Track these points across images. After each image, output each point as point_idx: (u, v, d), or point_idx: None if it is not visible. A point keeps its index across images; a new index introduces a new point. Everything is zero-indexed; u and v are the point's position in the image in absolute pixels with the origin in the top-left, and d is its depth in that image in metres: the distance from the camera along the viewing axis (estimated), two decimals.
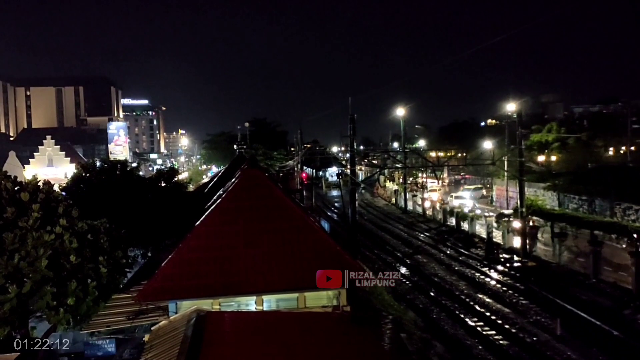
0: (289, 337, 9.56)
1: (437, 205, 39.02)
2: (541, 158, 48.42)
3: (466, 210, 35.23)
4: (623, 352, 13.49)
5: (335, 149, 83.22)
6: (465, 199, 40.92)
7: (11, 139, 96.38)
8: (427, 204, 41.33)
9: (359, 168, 48.45)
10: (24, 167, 58.88)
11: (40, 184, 11.63)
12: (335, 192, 60.06)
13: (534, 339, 14.65)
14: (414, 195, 46.00)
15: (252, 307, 11.05)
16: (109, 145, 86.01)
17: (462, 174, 55.71)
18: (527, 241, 24.53)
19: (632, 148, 62.08)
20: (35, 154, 63.76)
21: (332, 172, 69.53)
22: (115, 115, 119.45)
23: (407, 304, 18.22)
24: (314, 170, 59.54)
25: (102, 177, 19.17)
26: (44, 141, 64.06)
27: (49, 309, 9.53)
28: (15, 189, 10.85)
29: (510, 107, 31.77)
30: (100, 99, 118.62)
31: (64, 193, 16.40)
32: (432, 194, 45.48)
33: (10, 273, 9.18)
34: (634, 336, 14.25)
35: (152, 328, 10.04)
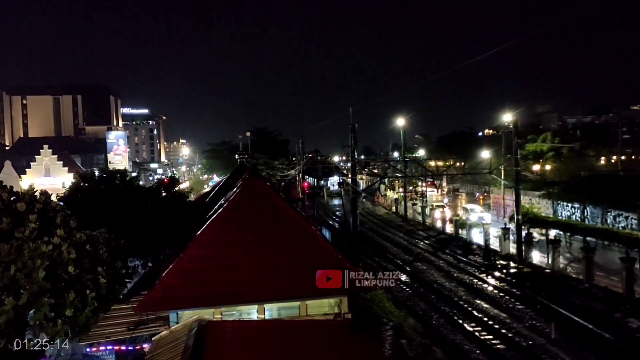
0: (291, 346, 9.46)
1: (448, 219, 36.44)
2: (536, 167, 49.09)
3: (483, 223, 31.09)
4: (615, 355, 13.86)
5: (336, 158, 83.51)
6: (482, 213, 36.15)
7: (7, 148, 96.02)
8: (437, 219, 38.26)
9: (359, 177, 48.50)
10: (20, 177, 58.49)
11: (37, 194, 11.51)
12: (336, 201, 60.11)
13: (530, 342, 14.93)
14: (414, 204, 46.07)
15: (254, 316, 10.93)
16: (108, 155, 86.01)
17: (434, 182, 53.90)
18: (523, 248, 24.95)
19: (623, 157, 63.26)
20: (32, 163, 63.28)
21: (333, 181, 69.69)
22: (115, 124, 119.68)
23: (408, 310, 18.46)
24: (315, 180, 59.60)
25: (101, 186, 19.04)
26: (40, 150, 63.59)
27: (47, 320, 9.36)
28: (12, 199, 10.72)
29: (507, 117, 32.38)
30: (99, 107, 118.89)
31: (61, 203, 16.27)
32: (443, 209, 41.20)
33: (6, 285, 9.02)
34: (624, 339, 14.67)
35: (152, 338, 9.89)
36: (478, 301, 19.24)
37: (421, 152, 71.29)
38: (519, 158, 27.02)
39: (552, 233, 26.53)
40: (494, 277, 22.93)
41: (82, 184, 19.33)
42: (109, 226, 12.67)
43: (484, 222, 30.26)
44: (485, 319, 17.07)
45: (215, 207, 17.13)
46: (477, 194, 51.85)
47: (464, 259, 26.78)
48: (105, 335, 9.96)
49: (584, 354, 13.94)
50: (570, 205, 30.94)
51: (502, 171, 32.90)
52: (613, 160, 63.76)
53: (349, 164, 32.29)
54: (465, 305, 18.61)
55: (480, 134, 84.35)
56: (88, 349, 10.49)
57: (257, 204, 12.34)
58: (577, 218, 29.73)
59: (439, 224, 37.70)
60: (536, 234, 27.42)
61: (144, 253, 17.27)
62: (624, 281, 18.24)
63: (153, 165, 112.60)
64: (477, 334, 15.76)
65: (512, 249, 26.31)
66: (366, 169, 56.29)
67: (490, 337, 15.49)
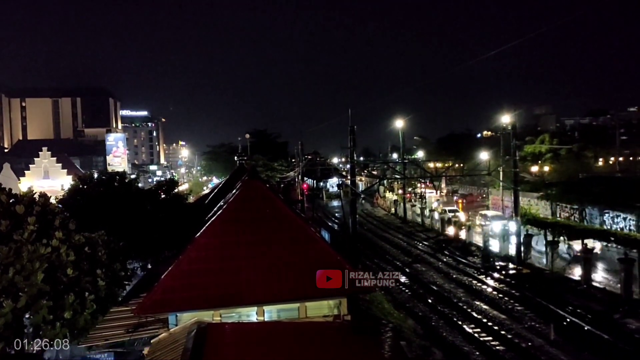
0: (290, 348, 9.45)
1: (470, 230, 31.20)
2: (534, 168, 49.16)
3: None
4: (613, 355, 13.89)
5: (335, 160, 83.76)
6: (504, 220, 29.99)
7: (6, 150, 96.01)
8: (451, 230, 33.62)
9: (359, 179, 48.55)
10: (19, 180, 58.42)
11: (36, 196, 11.52)
12: (335, 203, 60.12)
13: (529, 344, 14.95)
14: (413, 205, 46.13)
15: (253, 318, 10.91)
16: (107, 157, 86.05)
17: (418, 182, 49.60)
18: (522, 249, 24.94)
19: (621, 159, 63.46)
20: (30, 165, 63.26)
21: (332, 183, 69.73)
22: (114, 126, 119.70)
23: (407, 312, 18.46)
24: (314, 181, 59.69)
25: (100, 189, 19.06)
26: (39, 153, 63.61)
27: (45, 323, 9.36)
28: (10, 201, 10.72)
29: (505, 119, 32.40)
30: (98, 110, 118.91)
31: (60, 205, 16.27)
32: (459, 214, 36.04)
33: (5, 287, 9.02)
34: (623, 340, 14.69)
35: (151, 341, 9.86)
36: (477, 302, 19.27)
37: (420, 154, 71.30)
38: (517, 159, 27.06)
39: (597, 245, 22.67)
40: (493, 278, 22.95)
41: (81, 186, 19.34)
42: (108, 228, 12.69)
43: (510, 232, 26.73)
44: (485, 320, 17.09)
45: (215, 209, 17.12)
46: (456, 197, 47.60)
47: (463, 261, 26.79)
48: (104, 337, 9.94)
49: (582, 355, 14.00)
50: (568, 206, 31.01)
51: (501, 172, 32.95)
52: (611, 162, 64.03)
53: (348, 166, 32.32)
54: (465, 307, 18.62)
55: (478, 135, 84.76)
56: (86, 352, 10.46)
57: (257, 205, 12.33)
58: (576, 219, 29.80)
59: (437, 225, 37.70)
60: (577, 246, 22.82)
61: (143, 255, 17.27)
62: (622, 282, 18.30)
63: (152, 167, 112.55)
64: (476, 335, 15.78)
65: (512, 250, 26.31)
66: (365, 171, 56.32)
67: (490, 338, 15.52)
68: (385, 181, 55.19)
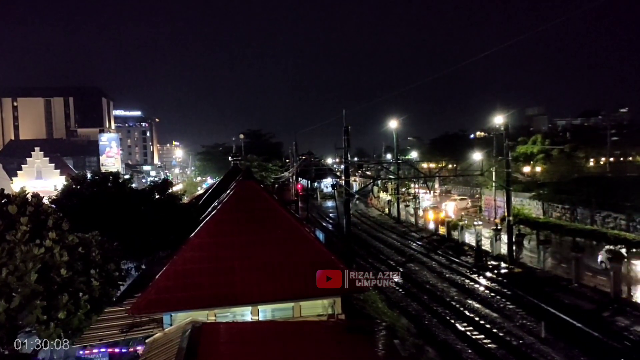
0: (285, 347, 9.51)
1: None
2: (527, 169, 49.51)
3: None
4: (603, 353, 14.17)
5: (329, 160, 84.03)
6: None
7: None
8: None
9: (353, 179, 48.67)
10: (11, 180, 57.73)
11: (28, 196, 11.47)
12: (330, 203, 60.27)
13: (520, 341, 15.20)
14: (407, 205, 46.32)
15: (248, 318, 10.96)
16: (100, 157, 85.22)
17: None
18: (514, 248, 25.23)
19: (612, 159, 64.11)
20: (23, 166, 62.65)
21: (326, 183, 69.84)
22: (107, 126, 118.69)
23: (400, 310, 18.63)
24: (309, 182, 59.72)
25: (94, 189, 18.97)
26: (32, 153, 63.00)
27: (39, 323, 9.34)
28: (3, 201, 10.69)
29: (498, 120, 32.68)
30: (91, 109, 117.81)
31: (53, 206, 16.21)
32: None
33: None
34: (612, 337, 14.99)
35: (146, 340, 9.88)
36: (470, 301, 19.49)
37: (414, 154, 71.60)
38: (510, 160, 27.31)
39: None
40: (485, 277, 23.21)
41: (74, 187, 19.24)
42: (101, 229, 12.66)
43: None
44: (477, 318, 17.31)
45: (209, 209, 17.14)
46: (422, 191, 44.94)
47: (456, 260, 27.03)
48: (99, 337, 9.94)
49: (573, 352, 14.22)
50: (560, 206, 31.34)
51: (494, 173, 33.22)
52: (602, 162, 64.73)
53: (342, 166, 32.41)
54: (457, 306, 18.84)
55: (472, 136, 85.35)
56: (81, 352, 10.46)
57: (251, 206, 12.39)
58: (567, 219, 30.13)
59: (431, 225, 37.97)
60: None
61: (137, 255, 17.23)
62: (611, 281, 18.54)
63: (146, 168, 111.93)
64: (468, 333, 15.98)
65: (503, 249, 26.57)
66: (359, 171, 56.45)
67: (482, 336, 15.74)
68: (379, 181, 55.36)
